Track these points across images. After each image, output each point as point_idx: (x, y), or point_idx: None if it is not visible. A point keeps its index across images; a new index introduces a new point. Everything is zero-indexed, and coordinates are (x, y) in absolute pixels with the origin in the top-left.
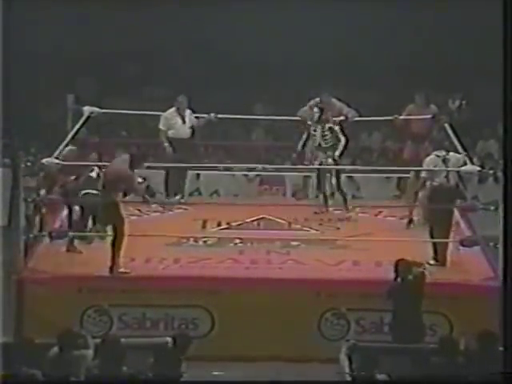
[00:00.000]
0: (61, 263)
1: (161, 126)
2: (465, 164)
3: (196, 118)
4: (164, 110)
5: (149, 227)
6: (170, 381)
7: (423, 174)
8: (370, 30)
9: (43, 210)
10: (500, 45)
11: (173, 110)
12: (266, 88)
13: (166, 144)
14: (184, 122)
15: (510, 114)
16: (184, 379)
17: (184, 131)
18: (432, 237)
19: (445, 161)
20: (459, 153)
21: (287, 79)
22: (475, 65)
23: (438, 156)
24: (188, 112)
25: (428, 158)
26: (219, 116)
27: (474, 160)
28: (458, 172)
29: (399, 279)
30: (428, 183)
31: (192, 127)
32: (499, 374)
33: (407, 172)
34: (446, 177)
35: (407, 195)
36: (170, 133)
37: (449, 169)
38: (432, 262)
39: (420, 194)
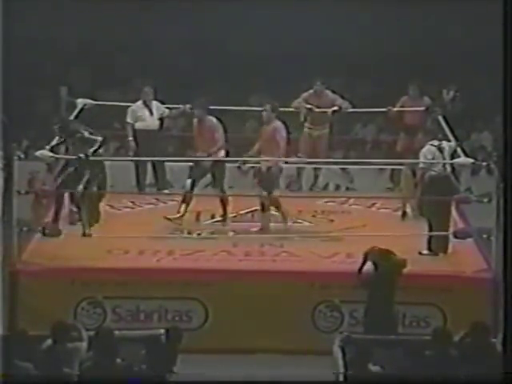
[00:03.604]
0: (54, 255)
1: (128, 120)
2: (457, 152)
3: (168, 108)
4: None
5: (142, 219)
6: (164, 375)
7: (421, 165)
8: (365, 22)
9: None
10: (495, 37)
11: (139, 102)
12: (262, 79)
13: (130, 138)
14: (151, 113)
15: (510, 106)
16: (178, 372)
17: (152, 123)
18: (430, 228)
19: (440, 149)
20: (450, 141)
21: (281, 70)
22: (470, 56)
23: (433, 145)
24: (155, 103)
25: (424, 149)
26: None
27: (468, 151)
28: (451, 163)
29: (372, 268)
30: (427, 174)
31: (161, 118)
32: (499, 374)
33: (401, 164)
34: (444, 166)
35: (401, 187)
36: (138, 125)
37: (443, 161)
38: (425, 251)
39: (418, 186)
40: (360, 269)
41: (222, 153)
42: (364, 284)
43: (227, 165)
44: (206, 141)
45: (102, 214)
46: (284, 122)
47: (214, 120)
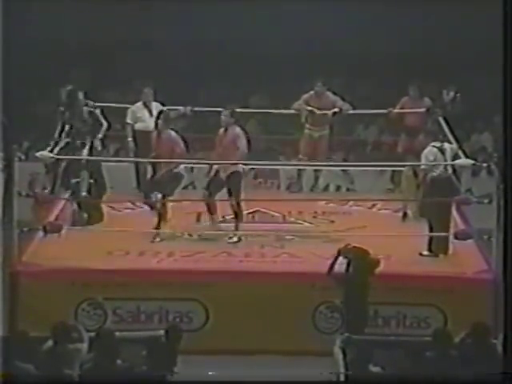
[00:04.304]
0: (55, 256)
1: (128, 120)
2: (458, 154)
3: (168, 110)
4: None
5: (143, 221)
6: (165, 375)
7: (423, 167)
8: (365, 22)
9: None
10: (495, 37)
11: (139, 103)
12: (262, 79)
13: (130, 139)
14: (151, 114)
15: (510, 106)
16: (178, 373)
17: (152, 124)
18: (431, 229)
19: (442, 151)
20: (451, 143)
21: (281, 70)
22: (469, 57)
23: (435, 147)
24: (154, 104)
25: (426, 150)
26: (195, 109)
27: (468, 152)
28: (452, 165)
29: (346, 266)
30: (428, 175)
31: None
32: (499, 374)
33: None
34: (445, 167)
35: (401, 188)
36: (138, 126)
37: (444, 163)
38: (426, 252)
39: (420, 187)
40: (331, 265)
41: (181, 165)
42: (338, 282)
43: None
44: (163, 154)
45: (104, 215)
46: (243, 128)
47: (173, 133)
